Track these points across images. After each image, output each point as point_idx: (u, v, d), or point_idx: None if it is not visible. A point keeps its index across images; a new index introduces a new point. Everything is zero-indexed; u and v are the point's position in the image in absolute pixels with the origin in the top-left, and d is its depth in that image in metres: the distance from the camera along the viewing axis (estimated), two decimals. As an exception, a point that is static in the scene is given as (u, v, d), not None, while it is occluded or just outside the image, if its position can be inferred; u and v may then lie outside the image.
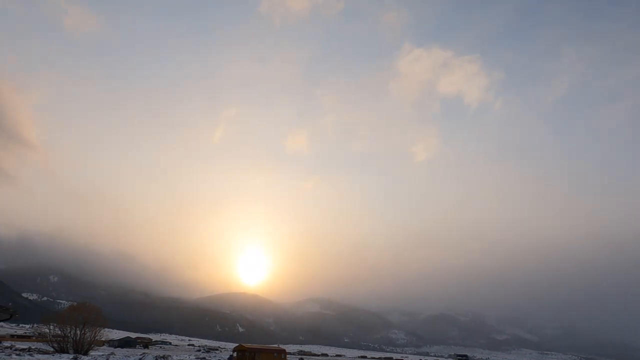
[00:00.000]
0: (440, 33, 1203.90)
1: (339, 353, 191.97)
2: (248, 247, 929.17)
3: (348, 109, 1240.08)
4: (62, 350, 52.23)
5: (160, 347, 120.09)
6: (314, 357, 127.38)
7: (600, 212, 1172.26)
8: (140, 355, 60.91)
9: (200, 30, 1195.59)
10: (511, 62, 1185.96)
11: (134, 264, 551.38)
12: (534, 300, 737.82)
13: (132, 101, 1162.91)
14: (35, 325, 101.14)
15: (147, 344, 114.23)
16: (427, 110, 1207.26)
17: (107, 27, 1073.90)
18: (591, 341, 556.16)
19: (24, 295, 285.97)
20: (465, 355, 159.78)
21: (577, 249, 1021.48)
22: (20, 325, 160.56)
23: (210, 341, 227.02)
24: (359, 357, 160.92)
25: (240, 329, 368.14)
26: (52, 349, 53.54)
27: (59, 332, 52.96)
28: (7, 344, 75.27)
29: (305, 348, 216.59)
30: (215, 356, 76.30)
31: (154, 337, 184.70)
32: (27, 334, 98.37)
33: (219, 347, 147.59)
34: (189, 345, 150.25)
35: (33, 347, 64.31)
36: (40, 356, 44.70)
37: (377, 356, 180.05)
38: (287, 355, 78.49)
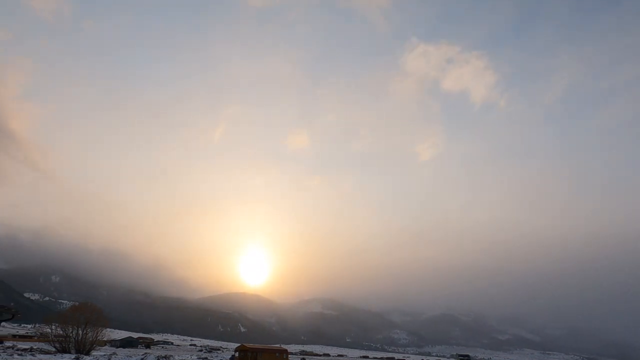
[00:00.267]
0: (447, 27, 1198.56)
1: (340, 353, 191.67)
2: (249, 247, 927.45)
3: (349, 108, 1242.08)
4: (64, 351, 52.08)
5: (162, 347, 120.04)
6: (315, 357, 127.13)
7: (601, 212, 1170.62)
8: (142, 355, 60.77)
9: (200, 30, 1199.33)
10: (514, 60, 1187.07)
11: (136, 264, 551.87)
12: (536, 301, 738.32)
13: (132, 101, 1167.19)
14: (37, 325, 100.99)
15: (149, 344, 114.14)
16: (429, 108, 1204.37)
17: (107, 27, 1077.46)
18: (593, 341, 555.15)
19: (26, 295, 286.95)
20: (467, 355, 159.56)
21: (578, 249, 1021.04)
22: (22, 325, 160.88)
23: (212, 341, 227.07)
24: (360, 357, 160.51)
25: (242, 329, 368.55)
26: (54, 349, 53.37)
27: (61, 332, 52.75)
28: (9, 344, 75.23)
29: (307, 348, 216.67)
30: (217, 356, 76.10)
31: (156, 337, 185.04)
32: (29, 334, 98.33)
33: (220, 347, 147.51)
34: (190, 345, 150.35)
35: (35, 347, 64.18)
36: (42, 356, 44.55)
37: (379, 356, 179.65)
38: (289, 356, 78.31)
